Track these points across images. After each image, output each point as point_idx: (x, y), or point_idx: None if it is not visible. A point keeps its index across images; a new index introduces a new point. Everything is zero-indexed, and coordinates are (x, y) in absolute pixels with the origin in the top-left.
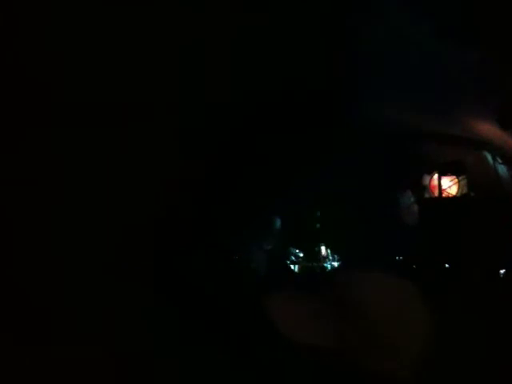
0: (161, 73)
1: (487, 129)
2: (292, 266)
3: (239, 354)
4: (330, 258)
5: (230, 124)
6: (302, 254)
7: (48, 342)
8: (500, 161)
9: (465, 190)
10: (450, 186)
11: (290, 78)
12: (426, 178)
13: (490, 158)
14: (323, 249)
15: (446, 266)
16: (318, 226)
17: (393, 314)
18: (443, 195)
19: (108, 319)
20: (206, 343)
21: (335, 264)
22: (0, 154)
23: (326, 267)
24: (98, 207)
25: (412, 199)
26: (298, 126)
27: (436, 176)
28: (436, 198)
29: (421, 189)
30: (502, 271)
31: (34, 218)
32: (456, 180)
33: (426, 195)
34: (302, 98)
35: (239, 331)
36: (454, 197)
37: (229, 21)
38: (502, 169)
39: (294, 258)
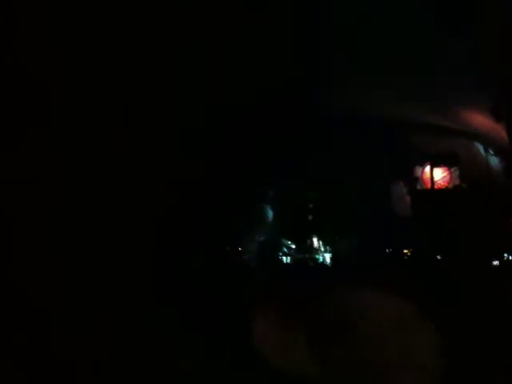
0: (160, 73)
1: (480, 120)
2: (284, 258)
3: (239, 355)
4: (322, 249)
5: (230, 124)
6: (294, 246)
7: (48, 342)
8: (492, 152)
9: (457, 182)
10: (442, 177)
11: (290, 77)
12: (418, 170)
13: (482, 149)
14: (315, 240)
15: (438, 257)
16: (310, 217)
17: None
18: (435, 187)
19: (108, 319)
20: (206, 343)
21: (327, 256)
22: (0, 154)
23: (318, 259)
24: (97, 207)
25: (404, 190)
26: (295, 120)
27: (428, 167)
28: (428, 189)
29: (413, 180)
30: (494, 262)
31: (34, 217)
32: (448, 171)
33: (418, 186)
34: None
35: (240, 331)
36: (446, 188)
37: (229, 21)
38: (493, 160)
39: (285, 250)
